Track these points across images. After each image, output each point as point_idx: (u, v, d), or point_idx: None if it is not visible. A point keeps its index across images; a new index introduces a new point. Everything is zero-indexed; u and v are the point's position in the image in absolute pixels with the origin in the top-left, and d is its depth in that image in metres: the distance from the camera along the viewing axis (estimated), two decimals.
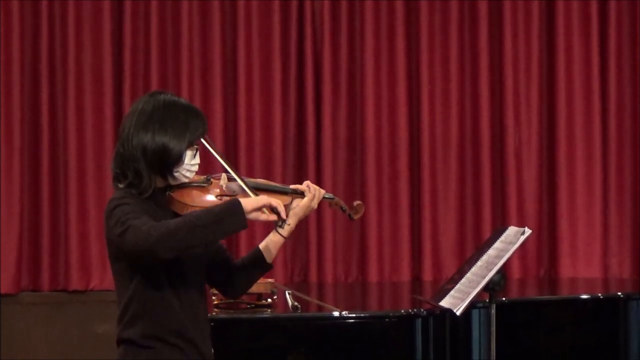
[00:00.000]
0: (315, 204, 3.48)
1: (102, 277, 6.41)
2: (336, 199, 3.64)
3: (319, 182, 6.37)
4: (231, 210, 3.14)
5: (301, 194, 3.47)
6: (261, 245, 3.50)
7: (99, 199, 6.40)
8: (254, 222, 3.26)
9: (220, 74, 6.53)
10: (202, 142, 3.35)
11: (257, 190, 3.40)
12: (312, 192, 3.46)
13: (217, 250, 3.48)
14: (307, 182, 3.52)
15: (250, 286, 3.57)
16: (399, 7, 6.64)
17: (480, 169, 6.66)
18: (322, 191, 3.52)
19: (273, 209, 3.21)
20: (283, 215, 3.23)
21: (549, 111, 6.75)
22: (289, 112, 6.61)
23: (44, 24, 6.39)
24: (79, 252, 6.40)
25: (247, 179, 3.46)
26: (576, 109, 6.71)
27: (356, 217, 3.69)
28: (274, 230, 3.46)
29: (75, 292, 6.42)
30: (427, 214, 6.61)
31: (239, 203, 3.15)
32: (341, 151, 6.64)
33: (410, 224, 6.64)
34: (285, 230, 3.43)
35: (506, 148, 6.66)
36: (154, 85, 6.43)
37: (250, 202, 3.18)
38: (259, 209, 3.18)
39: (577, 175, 6.69)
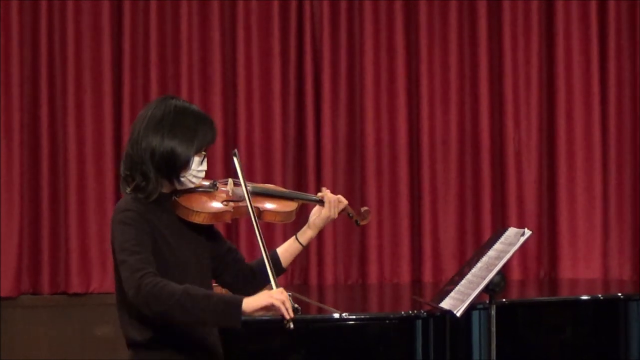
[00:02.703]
0: (335, 214, 3.55)
1: (102, 280, 6.40)
2: None
3: (318, 184, 6.37)
4: (230, 307, 3.10)
5: (318, 201, 3.53)
6: (279, 250, 3.54)
7: (99, 202, 6.40)
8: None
9: (219, 75, 6.53)
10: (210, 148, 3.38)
11: (264, 196, 3.45)
12: (330, 203, 3.52)
13: (227, 250, 3.51)
14: (326, 192, 3.54)
15: (262, 288, 3.57)
16: (398, 7, 6.64)
17: (480, 170, 6.66)
18: (344, 202, 3.56)
19: (276, 308, 3.12)
20: (286, 314, 3.10)
21: (549, 113, 6.75)
22: (289, 113, 6.61)
23: (43, 24, 6.39)
24: (79, 255, 6.40)
25: (254, 185, 3.48)
26: (576, 110, 6.71)
27: (363, 223, 3.71)
28: (293, 238, 3.51)
29: (75, 295, 6.42)
30: (427, 215, 6.61)
31: (240, 303, 3.09)
32: (341, 153, 6.64)
33: (410, 225, 6.64)
34: (305, 239, 3.52)
35: (506, 149, 6.66)
36: (153, 86, 6.44)
37: (251, 304, 3.10)
38: (265, 307, 3.11)
39: (577, 176, 6.69)
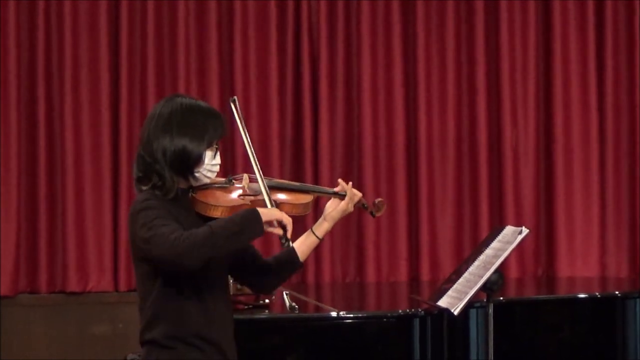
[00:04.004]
0: (351, 207, 3.60)
1: (100, 279, 6.41)
2: None
3: (316, 183, 6.37)
4: (252, 218, 3.21)
5: (334, 194, 3.58)
6: (295, 244, 3.54)
7: (96, 201, 6.40)
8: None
9: (217, 75, 6.53)
10: (223, 139, 3.41)
11: (279, 189, 3.47)
12: (348, 196, 3.58)
13: (244, 248, 3.50)
14: (344, 185, 3.59)
15: (281, 283, 3.61)
16: (396, 7, 6.64)
17: (478, 169, 6.66)
18: (359, 194, 3.62)
19: (282, 225, 3.26)
20: (288, 233, 3.25)
21: (546, 111, 6.76)
22: (286, 113, 6.61)
23: (40, 24, 6.38)
24: (77, 254, 6.40)
25: (269, 179, 3.50)
26: (573, 109, 6.71)
27: (378, 214, 3.75)
28: (309, 231, 3.54)
29: (73, 293, 6.42)
30: (424, 214, 6.62)
31: (258, 212, 3.22)
32: (338, 152, 6.64)
33: (407, 224, 6.64)
34: (321, 232, 3.54)
35: (503, 148, 6.67)
36: (151, 86, 6.44)
37: (265, 213, 3.24)
38: (271, 221, 3.24)
39: (574, 175, 6.69)
